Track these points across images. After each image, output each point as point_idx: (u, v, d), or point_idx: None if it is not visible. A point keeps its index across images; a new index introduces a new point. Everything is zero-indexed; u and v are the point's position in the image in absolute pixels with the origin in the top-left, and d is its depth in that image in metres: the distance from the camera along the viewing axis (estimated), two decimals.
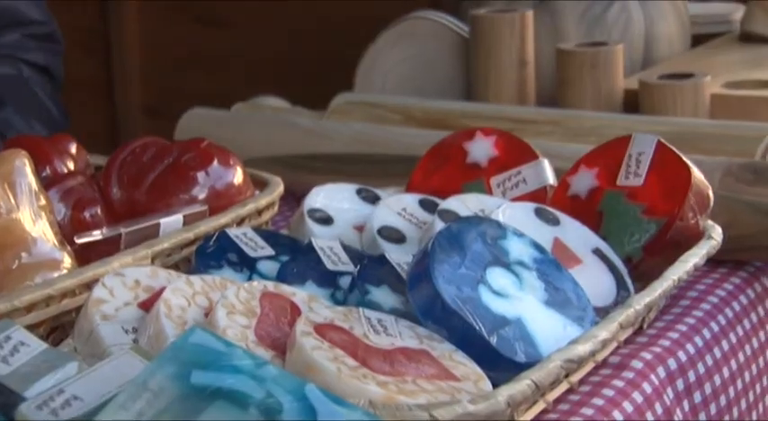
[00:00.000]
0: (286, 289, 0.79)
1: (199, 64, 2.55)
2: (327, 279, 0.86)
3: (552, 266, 0.82)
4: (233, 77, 2.44)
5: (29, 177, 0.84)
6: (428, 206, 0.98)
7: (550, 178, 0.99)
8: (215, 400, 0.57)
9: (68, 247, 0.86)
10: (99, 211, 0.95)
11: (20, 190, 0.83)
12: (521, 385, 0.68)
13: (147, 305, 0.79)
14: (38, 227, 0.84)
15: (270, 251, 0.91)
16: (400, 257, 0.86)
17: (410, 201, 0.98)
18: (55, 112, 1.51)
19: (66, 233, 0.90)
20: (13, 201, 0.82)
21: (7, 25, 1.46)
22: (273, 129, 1.34)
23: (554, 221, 0.90)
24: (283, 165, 1.26)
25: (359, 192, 1.02)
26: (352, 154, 1.27)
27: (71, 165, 1.05)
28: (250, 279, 0.87)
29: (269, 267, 0.89)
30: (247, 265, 0.89)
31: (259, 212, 1.00)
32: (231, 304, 0.75)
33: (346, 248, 0.90)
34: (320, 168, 1.26)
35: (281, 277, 0.85)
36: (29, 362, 0.66)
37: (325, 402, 0.57)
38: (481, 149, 1.02)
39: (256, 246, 0.91)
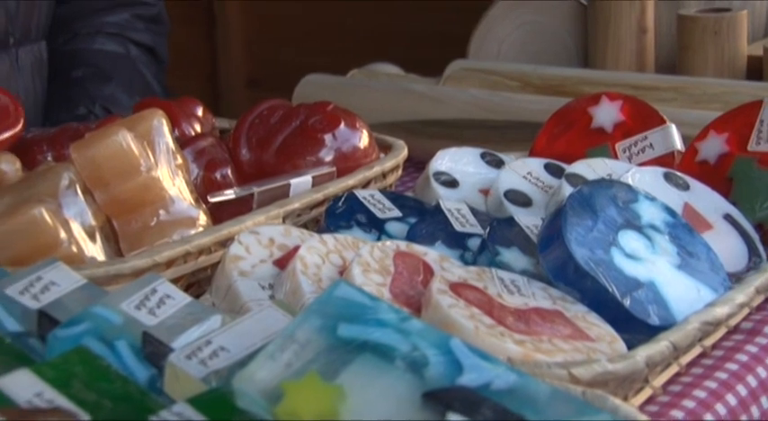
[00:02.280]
0: (418, 248, 0.80)
1: (301, 36, 2.56)
2: (456, 240, 0.87)
3: (685, 230, 0.82)
4: (334, 48, 2.45)
5: (166, 136, 0.86)
6: (553, 170, 0.98)
7: (678, 143, 0.98)
8: (361, 353, 0.58)
9: (203, 206, 0.88)
10: (229, 172, 0.97)
11: (158, 149, 0.85)
12: (659, 346, 0.68)
13: (281, 262, 0.80)
14: (175, 185, 0.85)
15: (397, 212, 0.92)
16: (528, 220, 0.87)
17: (535, 165, 0.98)
18: (158, 91, 1.52)
19: (198, 192, 0.92)
20: (152, 159, 0.84)
21: (118, 5, 1.49)
22: (389, 95, 1.35)
23: (684, 186, 0.90)
24: (400, 131, 1.26)
25: (483, 155, 1.02)
26: (470, 119, 1.27)
27: (198, 128, 1.07)
28: (379, 239, 0.88)
29: (397, 228, 0.90)
30: (376, 226, 0.90)
31: (384, 175, 1.01)
32: (366, 262, 0.76)
33: (473, 211, 0.91)
34: (437, 133, 1.27)
35: (411, 238, 0.86)
36: (174, 314, 0.68)
37: (470, 356, 0.58)
38: (607, 114, 1.02)
39: (384, 208, 0.92)
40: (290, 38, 2.58)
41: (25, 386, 0.58)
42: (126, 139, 0.82)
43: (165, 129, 0.86)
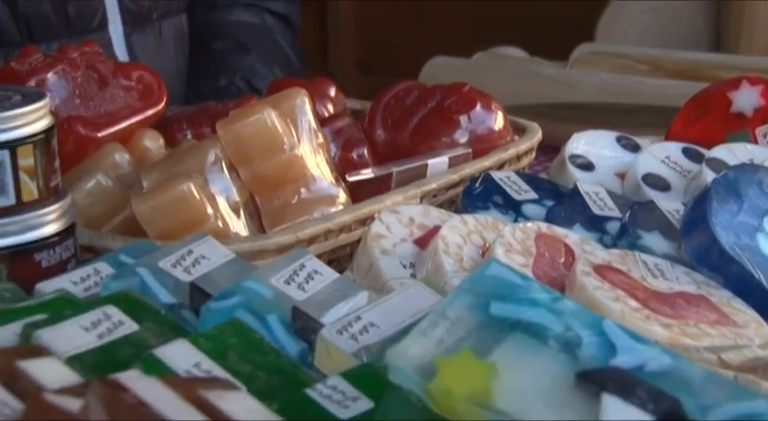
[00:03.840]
0: (558, 230, 0.80)
1: (411, 19, 2.56)
2: (594, 223, 0.86)
3: None
4: (443, 32, 2.45)
5: (308, 115, 0.87)
6: (692, 155, 0.97)
7: None
8: (513, 331, 0.59)
9: (343, 184, 0.89)
10: (365, 152, 0.98)
11: (301, 127, 0.86)
12: None
13: (422, 242, 0.81)
14: (316, 163, 0.86)
15: (533, 195, 0.92)
16: (667, 204, 0.86)
17: (673, 149, 0.97)
18: (294, 60, 1.56)
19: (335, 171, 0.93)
20: (295, 137, 0.85)
21: None
22: (516, 77, 1.35)
23: None
24: (528, 114, 1.26)
25: (618, 139, 1.02)
26: (600, 103, 1.27)
27: (330, 108, 1.08)
28: (515, 221, 0.88)
29: (533, 210, 0.90)
30: (512, 208, 0.90)
31: (518, 157, 1.01)
32: (509, 243, 0.76)
33: (610, 194, 0.90)
34: (567, 117, 1.26)
35: (549, 220, 0.85)
36: (322, 289, 0.69)
37: (623, 337, 0.58)
38: (747, 99, 1.00)
39: (520, 190, 0.92)
40: (400, 21, 2.59)
41: (183, 356, 0.59)
42: (271, 117, 0.83)
43: (308, 107, 0.87)
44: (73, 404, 0.51)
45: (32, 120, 0.73)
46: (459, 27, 2.44)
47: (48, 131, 0.74)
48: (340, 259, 0.85)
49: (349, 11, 2.68)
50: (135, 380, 0.50)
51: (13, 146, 0.72)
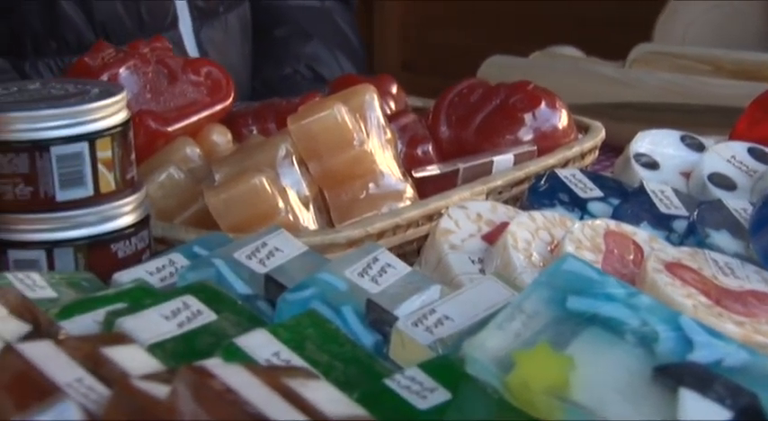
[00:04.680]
0: (627, 228, 0.80)
1: (455, 19, 2.56)
2: (661, 222, 0.86)
3: None
4: (486, 32, 2.44)
5: (377, 111, 0.88)
6: (758, 154, 0.97)
7: None
8: (590, 325, 0.59)
9: (410, 180, 0.89)
10: (430, 149, 0.98)
11: (370, 123, 0.87)
12: None
13: (490, 237, 0.81)
14: (384, 159, 0.87)
15: (599, 192, 0.92)
16: (734, 203, 0.86)
17: (739, 148, 0.97)
18: (354, 41, 1.57)
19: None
20: (364, 133, 0.86)
21: None
22: (574, 77, 1.35)
23: None
24: (586, 113, 1.26)
25: (683, 138, 1.02)
26: (661, 102, 1.27)
27: (392, 105, 1.09)
28: (581, 218, 0.88)
29: (599, 208, 0.90)
30: (578, 205, 0.90)
31: (582, 156, 1.01)
32: (578, 239, 0.77)
33: (676, 193, 0.90)
34: (627, 116, 1.26)
35: (616, 218, 0.86)
36: (395, 283, 0.70)
37: (700, 333, 0.58)
38: None
39: (585, 188, 0.92)
40: (444, 21, 2.59)
41: (263, 345, 0.60)
42: (341, 113, 0.84)
43: (376, 104, 0.88)
44: (158, 390, 0.52)
45: (111, 113, 0.75)
46: (502, 26, 2.44)
47: (125, 124, 0.76)
48: (407, 254, 0.86)
49: (395, 11, 2.69)
50: (221, 368, 0.51)
51: (92, 138, 0.73)
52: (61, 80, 0.81)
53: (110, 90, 0.76)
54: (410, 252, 0.86)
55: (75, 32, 1.31)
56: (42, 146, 0.72)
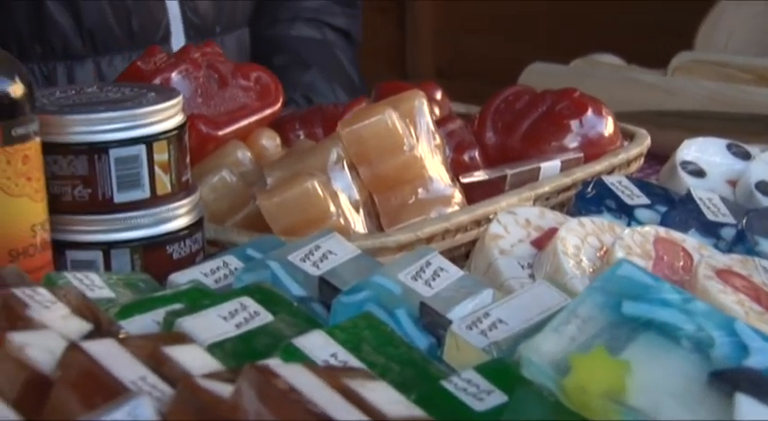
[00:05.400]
0: (676, 235, 0.81)
1: (487, 26, 2.56)
2: (709, 229, 0.87)
3: None
4: (520, 39, 2.44)
5: (427, 117, 0.89)
6: None
7: None
8: (645, 330, 0.60)
9: (458, 185, 0.90)
10: (477, 155, 0.99)
11: (420, 128, 0.87)
12: None
13: (539, 243, 0.82)
14: (434, 164, 0.88)
15: (645, 199, 0.92)
16: None
17: None
18: (354, 77, 1.55)
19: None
20: (414, 138, 0.86)
21: None
22: (616, 84, 1.35)
23: None
24: (629, 120, 1.26)
25: (729, 146, 1.02)
26: (705, 111, 1.27)
27: (437, 111, 1.09)
28: (629, 225, 0.89)
29: (646, 215, 0.91)
30: (625, 212, 0.91)
31: (628, 163, 1.01)
32: (628, 246, 0.77)
33: (723, 200, 0.91)
34: (670, 124, 1.26)
35: (664, 224, 0.86)
36: (448, 286, 0.70)
37: (756, 339, 0.58)
38: None
39: (632, 195, 0.92)
40: (477, 27, 2.59)
41: (321, 346, 0.61)
42: (392, 118, 0.85)
43: (426, 109, 0.89)
44: (221, 388, 0.53)
45: (167, 116, 0.76)
46: (536, 33, 2.44)
47: (181, 128, 0.77)
48: (455, 258, 0.86)
49: (428, 16, 2.70)
50: (284, 368, 0.52)
51: (149, 141, 0.75)
52: (117, 84, 0.82)
53: (166, 94, 0.77)
54: (458, 256, 0.87)
55: (62, 38, 1.29)
56: (101, 148, 0.73)
